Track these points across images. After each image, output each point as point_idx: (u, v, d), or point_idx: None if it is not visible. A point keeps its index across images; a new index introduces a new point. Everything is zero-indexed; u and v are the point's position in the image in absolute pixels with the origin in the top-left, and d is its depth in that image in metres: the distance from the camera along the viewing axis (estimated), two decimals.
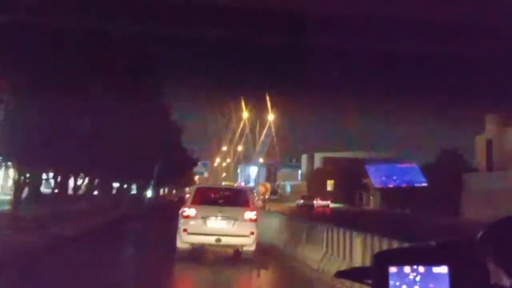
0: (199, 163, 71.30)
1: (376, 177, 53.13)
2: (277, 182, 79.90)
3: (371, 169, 54.67)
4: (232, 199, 11.26)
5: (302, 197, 54.82)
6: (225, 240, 10.52)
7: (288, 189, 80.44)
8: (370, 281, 1.46)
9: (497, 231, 1.41)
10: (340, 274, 1.56)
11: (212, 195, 11.57)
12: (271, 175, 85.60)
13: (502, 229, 1.41)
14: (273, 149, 77.89)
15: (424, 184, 44.89)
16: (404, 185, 46.94)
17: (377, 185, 52.74)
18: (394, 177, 49.89)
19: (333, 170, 66.42)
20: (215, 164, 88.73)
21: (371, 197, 58.18)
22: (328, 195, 57.00)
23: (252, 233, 10.54)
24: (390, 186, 50.30)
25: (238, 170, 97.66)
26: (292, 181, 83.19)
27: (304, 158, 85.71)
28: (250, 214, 10.69)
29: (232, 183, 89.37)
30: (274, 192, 66.45)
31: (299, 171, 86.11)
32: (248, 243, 10.57)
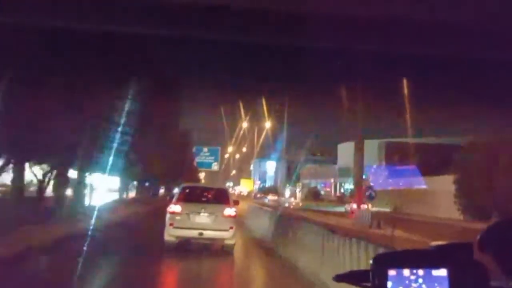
0: (205, 149, 57.12)
1: (375, 179, 52.68)
2: (300, 181, 68.80)
3: (370, 171, 51.02)
4: (214, 197, 13.20)
5: None
6: (206, 233, 12.41)
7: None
8: (369, 284, 1.52)
9: (497, 232, 1.49)
10: (339, 278, 1.61)
11: (196, 193, 13.51)
12: (292, 173, 71.87)
13: (502, 230, 1.49)
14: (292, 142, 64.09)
15: (423, 187, 44.08)
16: (403, 187, 46.90)
17: (377, 188, 51.64)
18: (390, 180, 47.68)
19: None
20: (226, 155, 74.02)
21: None
22: None
23: (231, 227, 12.45)
24: (389, 188, 49.55)
25: (251, 167, 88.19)
26: (325, 179, 67.79)
27: (343, 147, 67.71)
28: (229, 211, 12.64)
29: (251, 180, 77.84)
30: (316, 195, 56.41)
31: (336, 167, 68.82)
32: (228, 237, 12.47)
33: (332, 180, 67.25)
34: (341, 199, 56.26)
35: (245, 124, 63.15)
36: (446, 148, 46.51)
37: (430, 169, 43.37)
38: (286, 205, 45.41)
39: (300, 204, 48.35)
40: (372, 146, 56.68)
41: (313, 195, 58.90)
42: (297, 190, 61.53)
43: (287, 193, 62.86)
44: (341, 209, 41.03)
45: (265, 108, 54.80)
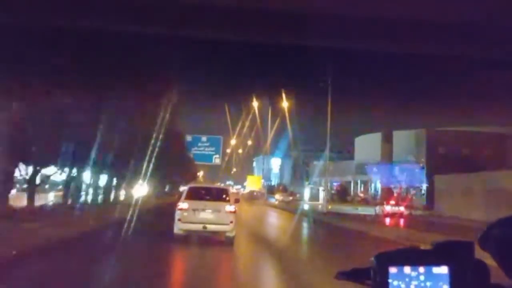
0: (204, 138, 48.49)
1: (377, 177, 50.58)
2: (311, 179, 61.80)
3: (372, 169, 50.87)
4: (216, 195, 15.53)
5: None
6: (210, 227, 14.77)
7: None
8: (370, 282, 1.58)
9: (498, 230, 1.54)
10: (341, 275, 1.67)
11: (201, 193, 15.93)
12: (300, 170, 67.60)
13: (503, 229, 1.54)
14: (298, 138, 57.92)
15: (425, 185, 42.00)
16: (405, 186, 45.89)
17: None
18: (392, 178, 47.01)
19: None
20: (228, 150, 65.76)
21: None
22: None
23: (231, 222, 14.80)
24: (391, 186, 46.43)
25: (254, 164, 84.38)
26: (340, 176, 61.35)
27: (362, 141, 61.34)
28: (230, 208, 15.00)
29: (259, 177, 69.99)
30: (343, 194, 51.84)
31: (353, 163, 62.79)
32: (228, 230, 14.82)
33: (349, 178, 61.55)
34: (367, 200, 52.14)
35: (255, 105, 56.24)
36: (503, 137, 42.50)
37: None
38: (306, 207, 39.12)
39: (329, 207, 39.86)
40: (400, 138, 51.77)
41: (340, 194, 53.10)
42: (321, 189, 52.36)
43: (306, 193, 54.05)
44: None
45: (283, 98, 49.86)
